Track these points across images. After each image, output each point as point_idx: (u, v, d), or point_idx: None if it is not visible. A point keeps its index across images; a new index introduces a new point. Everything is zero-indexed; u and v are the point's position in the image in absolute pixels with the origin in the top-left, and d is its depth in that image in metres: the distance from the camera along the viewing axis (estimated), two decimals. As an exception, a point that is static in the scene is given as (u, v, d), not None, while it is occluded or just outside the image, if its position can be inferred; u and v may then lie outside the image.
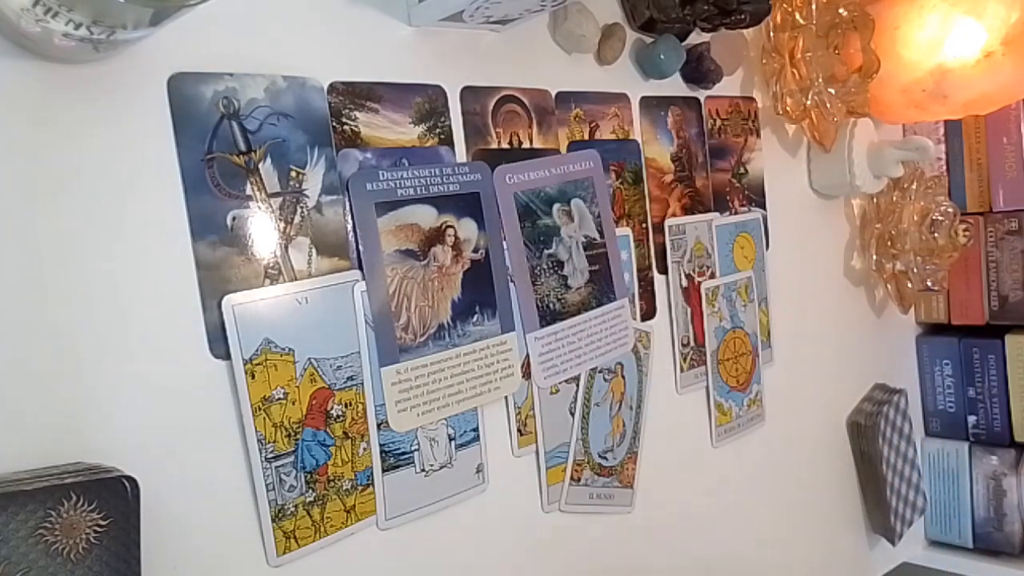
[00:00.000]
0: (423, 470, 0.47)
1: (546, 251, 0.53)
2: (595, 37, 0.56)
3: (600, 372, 0.56)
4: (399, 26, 0.47)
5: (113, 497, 0.32)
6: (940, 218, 0.81)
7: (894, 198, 0.82)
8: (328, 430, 0.43)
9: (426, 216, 0.47)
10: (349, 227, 0.44)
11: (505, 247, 0.51)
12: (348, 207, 0.44)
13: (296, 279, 0.42)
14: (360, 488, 0.44)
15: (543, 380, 0.52)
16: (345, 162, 0.44)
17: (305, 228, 0.42)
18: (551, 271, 0.53)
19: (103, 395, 0.36)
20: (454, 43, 0.49)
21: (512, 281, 0.51)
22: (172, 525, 0.38)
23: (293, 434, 0.41)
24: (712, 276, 0.66)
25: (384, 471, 0.45)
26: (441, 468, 0.48)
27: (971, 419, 0.89)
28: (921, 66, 0.71)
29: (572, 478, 0.55)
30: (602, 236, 0.56)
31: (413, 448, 0.46)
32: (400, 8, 0.47)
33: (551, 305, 0.53)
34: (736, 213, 0.69)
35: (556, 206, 0.53)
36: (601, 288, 0.56)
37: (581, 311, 0.55)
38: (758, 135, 0.72)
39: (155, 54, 0.37)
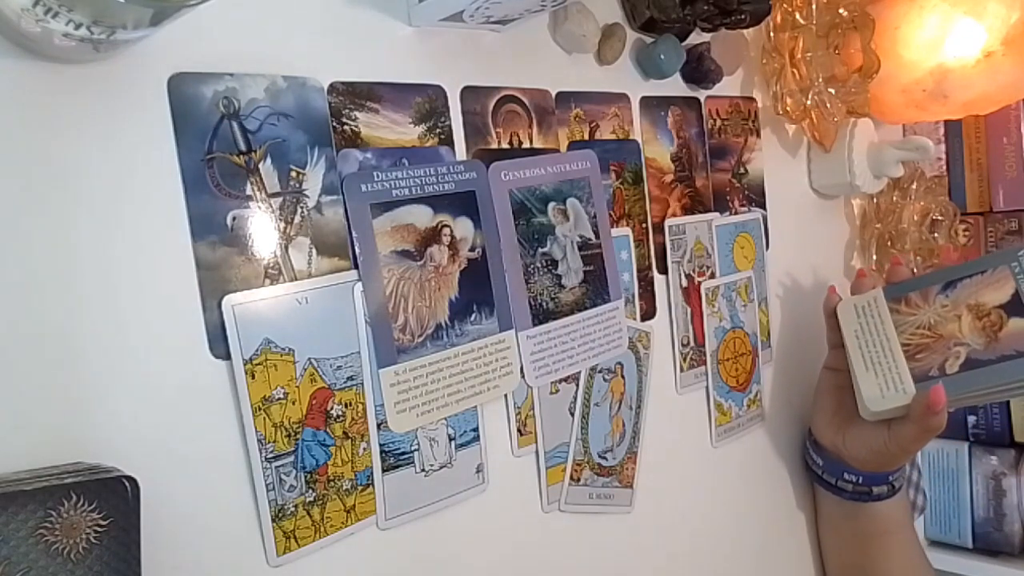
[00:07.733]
0: (423, 470, 0.47)
1: (540, 249, 0.53)
2: (595, 37, 0.56)
3: (600, 372, 0.56)
4: (399, 26, 0.47)
5: (113, 497, 0.32)
6: (940, 218, 0.81)
7: (894, 198, 0.82)
8: (328, 430, 0.43)
9: (422, 216, 0.47)
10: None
11: (500, 245, 0.51)
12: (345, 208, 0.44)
13: (296, 279, 0.42)
14: (360, 488, 0.44)
15: (534, 379, 0.52)
16: (345, 162, 0.44)
17: (305, 228, 0.42)
18: (545, 270, 0.53)
19: (103, 395, 0.36)
20: (454, 43, 0.49)
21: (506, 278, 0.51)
22: (172, 525, 0.38)
23: (293, 434, 0.41)
24: (712, 276, 0.66)
25: (384, 471, 0.45)
26: (441, 468, 0.48)
27: (971, 419, 0.88)
28: (921, 66, 0.71)
29: (572, 478, 0.55)
30: (597, 236, 0.56)
31: (413, 448, 0.46)
32: (400, 8, 0.47)
33: (544, 304, 0.53)
34: (736, 213, 0.69)
35: (552, 205, 0.53)
36: (595, 289, 0.56)
37: (575, 311, 0.54)
38: (758, 135, 0.72)
39: (155, 54, 0.37)
